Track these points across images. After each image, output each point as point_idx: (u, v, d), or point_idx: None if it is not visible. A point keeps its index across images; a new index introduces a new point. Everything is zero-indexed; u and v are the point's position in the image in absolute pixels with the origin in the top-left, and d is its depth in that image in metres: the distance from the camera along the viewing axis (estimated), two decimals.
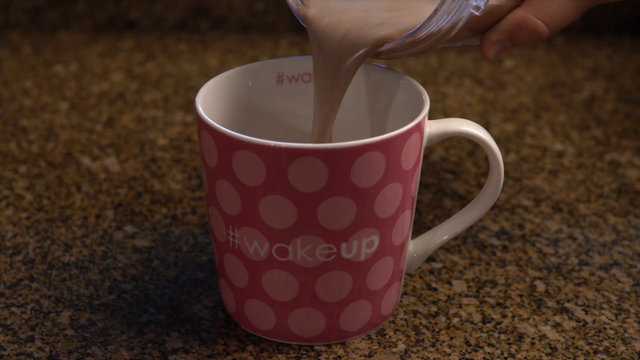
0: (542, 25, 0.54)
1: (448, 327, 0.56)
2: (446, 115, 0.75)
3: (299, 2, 0.55)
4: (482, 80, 0.80)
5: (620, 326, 0.56)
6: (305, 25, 0.55)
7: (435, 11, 0.50)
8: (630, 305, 0.57)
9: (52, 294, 0.58)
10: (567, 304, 0.57)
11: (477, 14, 0.50)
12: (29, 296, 0.58)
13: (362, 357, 0.54)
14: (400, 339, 0.55)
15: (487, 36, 0.55)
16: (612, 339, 0.55)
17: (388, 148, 0.50)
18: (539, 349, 0.54)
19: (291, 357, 0.54)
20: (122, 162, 0.70)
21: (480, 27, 0.55)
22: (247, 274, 0.53)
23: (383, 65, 0.57)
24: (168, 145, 0.71)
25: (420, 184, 0.65)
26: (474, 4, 0.50)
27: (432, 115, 0.55)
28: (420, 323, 0.56)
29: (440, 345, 0.54)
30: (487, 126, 0.74)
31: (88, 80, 0.80)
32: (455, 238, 0.62)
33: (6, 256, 0.61)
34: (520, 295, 0.58)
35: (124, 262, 0.60)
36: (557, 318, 0.56)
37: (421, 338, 0.55)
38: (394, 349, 0.54)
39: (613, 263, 0.60)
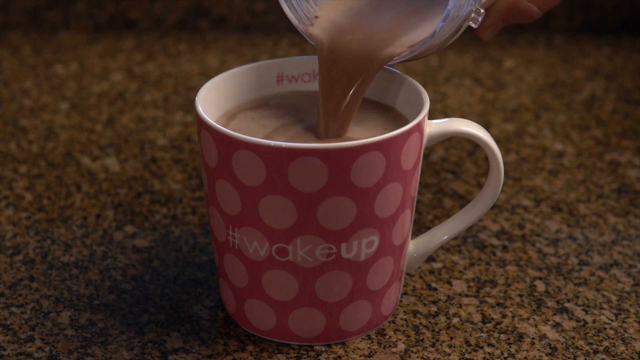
0: (534, 7, 0.56)
1: (448, 327, 0.56)
2: (446, 115, 0.75)
3: (305, 22, 0.55)
4: (482, 80, 0.80)
5: (620, 326, 0.56)
6: (312, 42, 0.55)
7: (434, 32, 0.51)
8: (630, 305, 0.57)
9: (52, 294, 0.58)
10: (567, 304, 0.57)
11: (474, 26, 0.52)
12: (29, 296, 0.58)
13: (362, 357, 0.54)
14: (400, 339, 0.55)
15: (482, 20, 0.56)
16: (612, 339, 0.55)
17: (388, 148, 0.50)
18: (539, 349, 0.54)
19: (291, 357, 0.54)
20: (122, 162, 0.70)
21: None
22: (247, 274, 0.53)
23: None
24: (168, 145, 0.71)
25: (420, 184, 0.65)
26: (472, 15, 0.51)
27: (432, 115, 0.55)
28: (420, 323, 0.56)
29: (440, 345, 0.54)
30: (487, 126, 0.74)
31: (88, 80, 0.80)
32: (455, 238, 0.62)
33: (6, 256, 0.61)
34: (520, 295, 0.58)
35: (124, 262, 0.60)
36: (557, 318, 0.56)
37: (421, 338, 0.55)
38: (394, 349, 0.54)
39: (613, 263, 0.60)
